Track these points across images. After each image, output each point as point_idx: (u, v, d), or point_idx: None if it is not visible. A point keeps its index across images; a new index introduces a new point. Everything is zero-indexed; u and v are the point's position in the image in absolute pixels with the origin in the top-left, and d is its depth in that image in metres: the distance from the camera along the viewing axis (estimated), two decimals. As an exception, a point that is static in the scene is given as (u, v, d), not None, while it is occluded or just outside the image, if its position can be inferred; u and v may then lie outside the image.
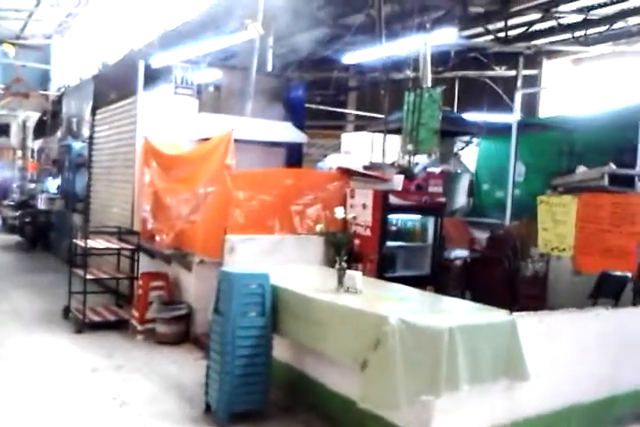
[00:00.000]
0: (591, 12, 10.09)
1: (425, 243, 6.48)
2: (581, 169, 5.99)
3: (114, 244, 7.05)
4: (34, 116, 16.91)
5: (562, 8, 9.99)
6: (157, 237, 6.87)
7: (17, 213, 13.34)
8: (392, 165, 7.90)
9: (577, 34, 10.93)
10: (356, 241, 6.04)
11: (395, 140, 9.26)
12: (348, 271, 4.43)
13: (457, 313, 4.05)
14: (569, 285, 5.61)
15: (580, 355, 4.12)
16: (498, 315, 3.87)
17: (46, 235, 12.23)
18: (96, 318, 6.50)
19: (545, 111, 12.41)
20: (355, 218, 5.94)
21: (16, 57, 15.79)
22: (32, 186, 14.95)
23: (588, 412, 4.21)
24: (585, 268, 5.23)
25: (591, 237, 5.11)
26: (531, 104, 11.82)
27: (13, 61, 16.05)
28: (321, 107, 14.68)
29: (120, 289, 7.38)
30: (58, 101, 13.36)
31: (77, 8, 15.06)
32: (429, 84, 8.66)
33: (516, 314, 3.82)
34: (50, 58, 17.89)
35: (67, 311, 6.79)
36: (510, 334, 3.74)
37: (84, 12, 15.34)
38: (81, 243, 6.79)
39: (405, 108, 8.15)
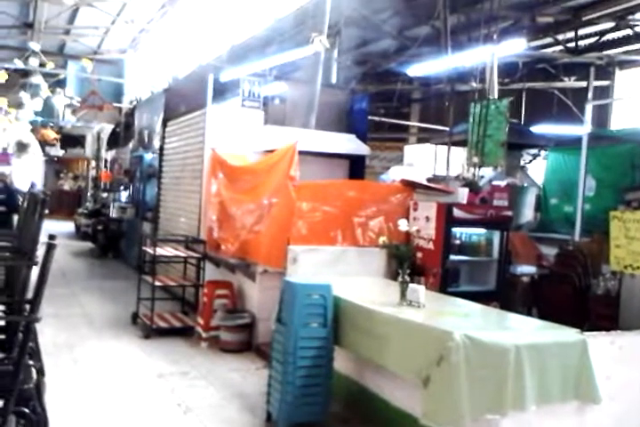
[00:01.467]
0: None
1: (490, 257, 6.34)
2: (657, 184, 5.76)
3: (181, 252, 7.24)
4: (107, 128, 17.64)
5: (638, 15, 9.67)
6: (223, 247, 7.01)
7: (90, 221, 13.90)
8: (456, 177, 7.81)
9: (653, 43, 10.56)
10: (419, 254, 5.99)
11: (459, 153, 9.15)
12: (410, 285, 4.39)
13: (524, 331, 3.94)
14: (643, 304, 5.37)
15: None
16: (567, 334, 3.75)
17: (117, 242, 12.67)
18: (163, 325, 6.67)
19: (617, 123, 12.01)
20: (418, 231, 5.89)
21: (92, 71, 16.56)
22: (105, 195, 15.55)
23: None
24: (661, 287, 5.01)
25: (668, 254, 4.88)
26: (602, 116, 11.46)
27: (90, 76, 16.81)
28: (384, 119, 14.68)
29: (186, 296, 7.55)
30: (130, 114, 13.88)
31: (150, 24, 15.63)
32: (496, 96, 8.55)
33: (586, 333, 3.69)
34: (123, 72, 18.64)
35: (135, 317, 7.01)
36: (580, 354, 3.61)
37: (156, 28, 15.91)
38: (150, 250, 7.00)
39: (471, 119, 8.06)
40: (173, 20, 15.00)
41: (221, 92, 8.78)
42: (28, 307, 3.29)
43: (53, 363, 5.21)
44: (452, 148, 8.64)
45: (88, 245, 13.79)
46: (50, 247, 3.00)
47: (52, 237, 3.06)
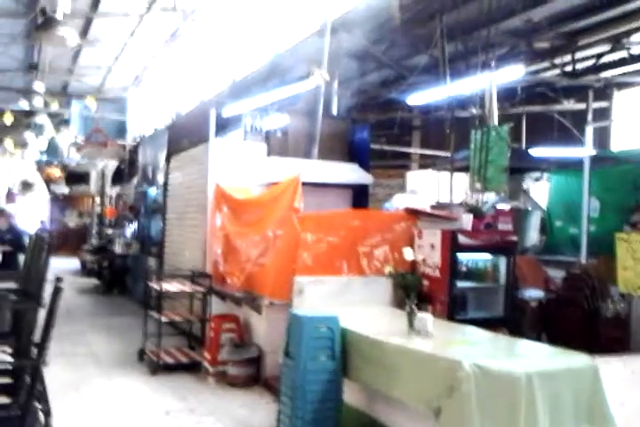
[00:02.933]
0: (665, 41, 9.84)
1: (497, 283, 6.30)
2: (661, 204, 5.75)
3: (187, 287, 7.22)
4: (111, 165, 17.79)
5: (633, 38, 9.79)
6: (228, 280, 7.00)
7: (95, 258, 13.91)
8: (460, 204, 7.81)
9: (650, 64, 10.66)
10: (425, 282, 5.95)
11: (461, 179, 9.17)
12: (418, 314, 4.36)
13: (534, 357, 3.90)
14: (654, 326, 5.32)
15: (671, 403, 3.86)
16: (578, 359, 3.71)
17: (123, 278, 12.65)
18: (170, 361, 6.62)
19: (618, 144, 12.04)
20: (424, 259, 5.88)
21: (95, 109, 16.82)
22: (110, 231, 15.59)
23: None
24: (671, 309, 4.96)
25: (676, 275, 4.85)
26: (602, 137, 11.49)
27: (93, 114, 17.06)
28: (385, 147, 14.77)
29: (193, 331, 7.51)
30: (134, 150, 14.01)
31: (152, 61, 15.91)
32: (496, 122, 8.60)
33: (597, 358, 3.64)
34: (126, 109, 18.90)
35: (142, 354, 6.96)
36: (592, 379, 3.58)
37: (158, 65, 16.20)
38: (156, 286, 6.99)
39: (472, 146, 8.08)
40: (175, 57, 15.28)
41: (223, 126, 8.87)
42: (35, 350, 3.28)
43: (60, 403, 5.16)
44: (455, 174, 8.66)
45: (93, 281, 13.77)
46: (56, 291, 3.01)
47: (58, 279, 3.07)
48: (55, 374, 5.94)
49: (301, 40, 10.52)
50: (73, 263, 16.75)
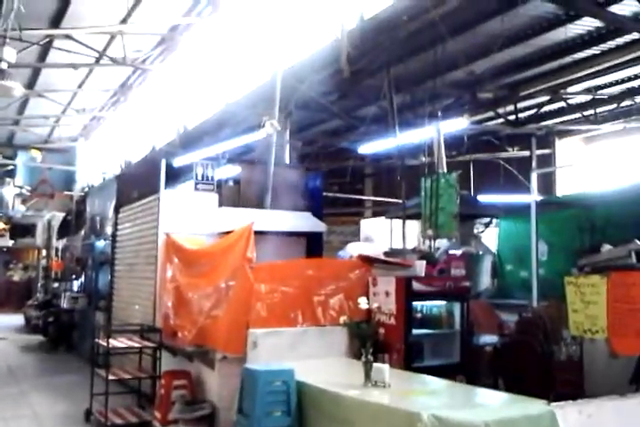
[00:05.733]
0: (599, 92, 10.39)
1: (452, 329, 6.28)
2: (606, 247, 5.87)
3: (136, 342, 6.95)
4: (58, 216, 17.35)
5: (570, 89, 10.30)
6: (179, 334, 6.76)
7: (40, 313, 13.33)
8: (413, 250, 7.86)
9: (586, 113, 11.20)
10: (381, 330, 5.88)
11: (414, 226, 9.28)
12: (375, 364, 4.29)
13: (492, 406, 3.87)
14: (606, 368, 5.34)
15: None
16: (535, 406, 3.69)
17: (69, 334, 12.11)
18: (118, 421, 6.28)
19: (562, 189, 12.48)
20: (379, 307, 5.83)
21: (42, 160, 16.51)
22: (56, 285, 15.03)
23: None
24: (621, 350, 5.00)
25: (625, 317, 4.91)
26: (547, 183, 11.91)
27: (40, 165, 16.74)
28: (339, 195, 14.93)
29: (142, 389, 7.18)
30: (82, 201, 13.72)
31: (101, 112, 15.83)
32: (445, 169, 8.80)
33: (554, 404, 3.63)
34: (74, 159, 18.61)
35: (88, 414, 6.60)
36: (550, 425, 3.54)
37: (107, 115, 16.12)
38: (103, 343, 6.70)
39: (423, 193, 8.23)
40: (125, 107, 15.25)
41: (175, 175, 8.78)
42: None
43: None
44: (407, 221, 8.76)
45: (38, 338, 13.13)
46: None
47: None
48: (-8, 441, 5.58)
49: (253, 90, 10.67)
50: (17, 319, 16.01)
